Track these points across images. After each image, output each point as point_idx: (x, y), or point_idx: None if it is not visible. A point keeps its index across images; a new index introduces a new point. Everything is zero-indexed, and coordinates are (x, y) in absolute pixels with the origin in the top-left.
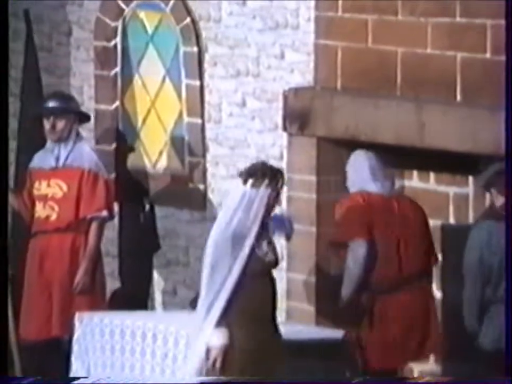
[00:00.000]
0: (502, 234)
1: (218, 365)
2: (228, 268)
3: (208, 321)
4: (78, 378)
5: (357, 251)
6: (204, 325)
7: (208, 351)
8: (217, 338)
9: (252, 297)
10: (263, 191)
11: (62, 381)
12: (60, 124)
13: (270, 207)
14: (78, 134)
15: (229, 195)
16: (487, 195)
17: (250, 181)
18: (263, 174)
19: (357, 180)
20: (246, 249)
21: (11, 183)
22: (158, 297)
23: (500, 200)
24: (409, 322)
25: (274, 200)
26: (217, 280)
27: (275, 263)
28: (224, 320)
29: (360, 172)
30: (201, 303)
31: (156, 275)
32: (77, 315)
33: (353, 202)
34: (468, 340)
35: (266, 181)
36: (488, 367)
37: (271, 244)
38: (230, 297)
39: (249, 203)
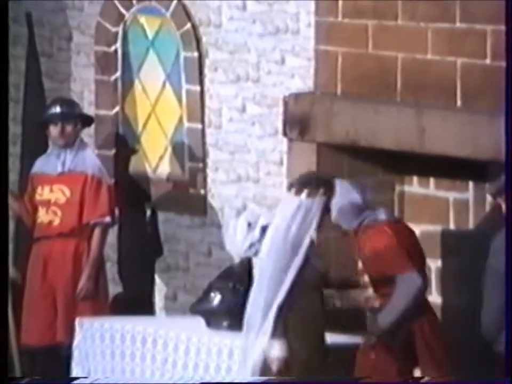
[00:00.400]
0: None
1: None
2: (286, 277)
3: (263, 331)
4: (76, 378)
5: (412, 284)
6: (259, 335)
7: (267, 362)
8: (277, 350)
9: (308, 307)
10: (318, 201)
11: (60, 382)
12: (68, 129)
13: (323, 216)
14: (81, 139)
15: (281, 207)
16: (494, 202)
17: (305, 191)
18: (317, 184)
19: (359, 212)
20: (301, 259)
21: (15, 188)
22: (158, 302)
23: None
24: None
25: (326, 209)
26: (275, 289)
27: (327, 272)
28: (281, 330)
29: (356, 204)
30: (255, 312)
31: (156, 280)
32: (77, 320)
33: (386, 233)
34: (473, 345)
35: (321, 191)
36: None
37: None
38: (286, 307)
39: (306, 213)
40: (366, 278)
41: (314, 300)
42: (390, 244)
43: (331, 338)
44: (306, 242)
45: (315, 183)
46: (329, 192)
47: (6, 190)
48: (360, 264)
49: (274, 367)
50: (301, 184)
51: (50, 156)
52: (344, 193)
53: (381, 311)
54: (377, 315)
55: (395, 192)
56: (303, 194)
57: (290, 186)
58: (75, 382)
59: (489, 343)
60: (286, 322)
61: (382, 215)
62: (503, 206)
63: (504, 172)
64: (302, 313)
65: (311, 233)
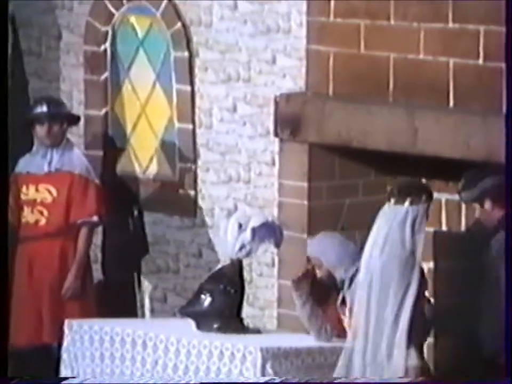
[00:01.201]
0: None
1: None
2: (404, 287)
3: (398, 344)
4: (65, 378)
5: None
6: (394, 349)
7: (407, 371)
8: (414, 359)
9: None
10: (422, 207)
11: (49, 381)
12: (55, 129)
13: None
14: (67, 139)
15: (385, 218)
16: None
17: (408, 199)
18: (419, 191)
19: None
20: (418, 268)
21: None
22: (147, 304)
23: (498, 212)
24: None
25: (427, 216)
26: (402, 301)
27: None
28: (415, 340)
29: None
30: (381, 327)
31: (145, 282)
32: (66, 322)
33: None
34: (466, 346)
35: (423, 197)
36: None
37: None
38: (411, 316)
39: (413, 221)
40: None
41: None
42: None
43: None
44: (420, 250)
45: (417, 190)
46: (430, 198)
47: (5, 190)
48: None
49: (413, 376)
50: (403, 192)
51: (35, 155)
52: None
53: None
54: None
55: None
56: (406, 203)
57: (390, 196)
58: (64, 382)
59: (491, 357)
60: (413, 332)
61: None
62: (488, 208)
63: (481, 179)
64: (422, 321)
65: (422, 242)
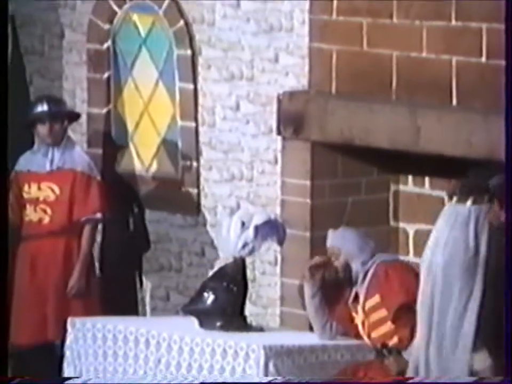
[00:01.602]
0: None
1: None
2: (469, 288)
3: (464, 345)
4: (68, 378)
5: None
6: (460, 349)
7: (476, 374)
8: (482, 362)
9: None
10: (485, 207)
11: (52, 381)
12: (56, 127)
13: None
14: (68, 137)
15: (447, 218)
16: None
17: (471, 199)
18: (481, 190)
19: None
20: (483, 268)
21: None
22: (150, 302)
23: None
24: None
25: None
26: (457, 301)
27: None
28: (483, 342)
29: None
30: (438, 327)
31: (148, 280)
32: (69, 320)
33: (401, 264)
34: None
35: (486, 197)
36: None
37: None
38: (478, 317)
39: (476, 220)
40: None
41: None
42: (410, 275)
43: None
44: (483, 250)
45: (479, 189)
46: (493, 198)
47: (5, 190)
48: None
49: (483, 376)
50: (465, 191)
51: (36, 153)
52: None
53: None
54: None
55: (390, 192)
56: (469, 202)
57: (451, 195)
58: (67, 382)
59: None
60: (480, 334)
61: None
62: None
63: (495, 174)
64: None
65: (486, 241)
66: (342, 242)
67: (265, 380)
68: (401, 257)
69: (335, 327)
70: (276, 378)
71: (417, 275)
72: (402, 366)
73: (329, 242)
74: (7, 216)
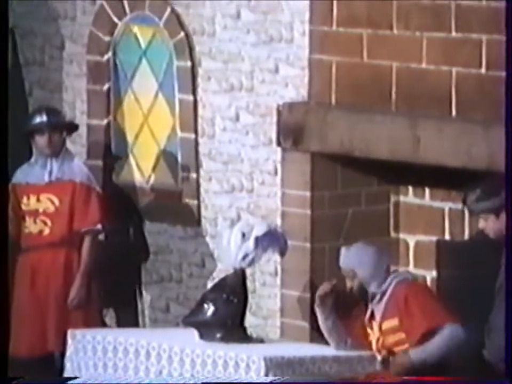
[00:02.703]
0: None
1: None
2: None
3: None
4: (69, 378)
5: (455, 335)
6: None
7: None
8: None
9: None
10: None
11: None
12: (55, 138)
13: None
14: (66, 148)
15: None
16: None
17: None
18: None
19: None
20: None
21: None
22: (150, 314)
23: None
24: None
25: None
26: None
27: None
28: None
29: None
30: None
31: (148, 292)
32: (69, 332)
33: (418, 287)
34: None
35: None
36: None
37: None
38: None
39: None
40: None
41: None
42: (427, 295)
43: None
44: None
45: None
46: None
47: (5, 200)
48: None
49: None
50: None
51: (34, 165)
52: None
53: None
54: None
55: (390, 203)
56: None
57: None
58: (68, 382)
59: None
60: None
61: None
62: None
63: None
64: None
65: None
66: (356, 263)
67: (267, 380)
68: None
69: (350, 343)
70: (278, 379)
71: (432, 293)
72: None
73: (343, 261)
74: (7, 227)
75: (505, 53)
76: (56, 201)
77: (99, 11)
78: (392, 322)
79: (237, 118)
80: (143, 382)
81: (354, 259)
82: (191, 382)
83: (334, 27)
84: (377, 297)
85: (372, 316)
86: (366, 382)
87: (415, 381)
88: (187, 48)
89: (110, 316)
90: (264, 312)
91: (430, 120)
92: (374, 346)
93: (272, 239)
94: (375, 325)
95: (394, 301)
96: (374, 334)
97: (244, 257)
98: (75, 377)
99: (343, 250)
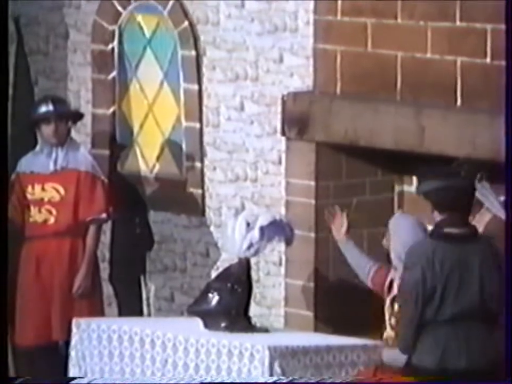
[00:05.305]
0: (445, 254)
1: None
2: None
3: None
4: (73, 378)
5: None
6: None
7: None
8: None
9: None
10: None
11: (56, 381)
12: (61, 127)
13: None
14: (71, 137)
15: None
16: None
17: None
18: None
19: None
20: None
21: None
22: (154, 303)
23: (437, 216)
24: None
25: None
26: None
27: None
28: None
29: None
30: None
31: (152, 281)
32: (74, 321)
33: None
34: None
35: None
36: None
37: None
38: None
39: None
40: None
41: None
42: None
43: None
44: None
45: None
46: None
47: (5, 190)
48: None
49: None
50: None
51: (39, 154)
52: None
53: None
54: None
55: (394, 192)
56: None
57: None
58: (72, 382)
59: (405, 352)
60: None
61: None
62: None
63: (438, 178)
64: None
65: None
66: (396, 228)
67: (270, 380)
68: None
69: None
70: (281, 379)
71: None
72: None
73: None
74: (7, 217)
75: (505, 44)
76: (62, 190)
77: (103, 0)
78: None
79: (242, 107)
80: (145, 383)
81: (395, 223)
82: (192, 382)
83: (339, 16)
84: (400, 270)
85: (391, 285)
86: (373, 382)
87: (415, 382)
88: (191, 37)
89: (114, 304)
90: (269, 302)
91: (435, 109)
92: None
93: (277, 229)
94: (389, 298)
95: None
96: (386, 308)
97: (249, 247)
98: (79, 377)
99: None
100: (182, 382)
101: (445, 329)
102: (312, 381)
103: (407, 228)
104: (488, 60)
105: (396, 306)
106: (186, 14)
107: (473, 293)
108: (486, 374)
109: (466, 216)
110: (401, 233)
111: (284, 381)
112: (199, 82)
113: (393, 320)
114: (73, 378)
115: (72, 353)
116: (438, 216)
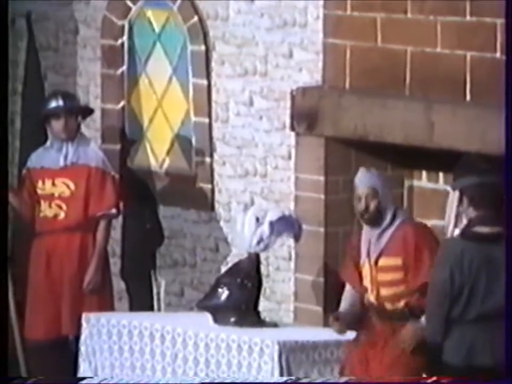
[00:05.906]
0: (474, 254)
1: None
2: None
3: None
4: (83, 378)
5: None
6: None
7: None
8: None
9: None
10: None
11: (67, 381)
12: (71, 123)
13: None
14: (81, 132)
15: None
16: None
17: None
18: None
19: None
20: None
21: (14, 183)
22: (164, 298)
23: (471, 213)
24: None
25: None
26: None
27: None
28: None
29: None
30: None
31: (162, 276)
32: (83, 316)
33: (429, 232)
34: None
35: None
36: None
37: None
38: None
39: None
40: None
41: None
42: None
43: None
44: None
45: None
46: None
47: (5, 187)
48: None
49: None
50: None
51: (49, 149)
52: None
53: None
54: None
55: (404, 187)
56: None
57: None
58: (82, 382)
59: (435, 350)
60: None
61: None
62: (466, 208)
63: (473, 174)
64: None
65: None
66: (379, 183)
67: (279, 380)
68: None
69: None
70: (290, 379)
71: (437, 239)
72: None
73: (365, 181)
74: (7, 216)
75: (506, 39)
76: (72, 186)
77: None
78: (393, 260)
79: (251, 102)
80: (148, 383)
81: (377, 179)
82: (193, 382)
83: (348, 11)
84: (377, 232)
85: (368, 254)
86: (375, 382)
87: (417, 381)
88: (201, 32)
89: (124, 299)
90: (278, 297)
91: (444, 104)
92: (368, 288)
93: (286, 224)
94: (370, 261)
95: (401, 239)
96: (366, 270)
97: (258, 242)
98: (86, 377)
99: (363, 172)
100: (182, 382)
101: (472, 328)
102: (317, 381)
103: (389, 185)
104: (498, 54)
105: (381, 264)
106: (195, 9)
107: (499, 293)
108: (510, 373)
109: (499, 214)
110: (385, 185)
111: (289, 382)
112: (208, 77)
113: (374, 277)
114: (83, 378)
115: (82, 348)
116: (472, 213)
